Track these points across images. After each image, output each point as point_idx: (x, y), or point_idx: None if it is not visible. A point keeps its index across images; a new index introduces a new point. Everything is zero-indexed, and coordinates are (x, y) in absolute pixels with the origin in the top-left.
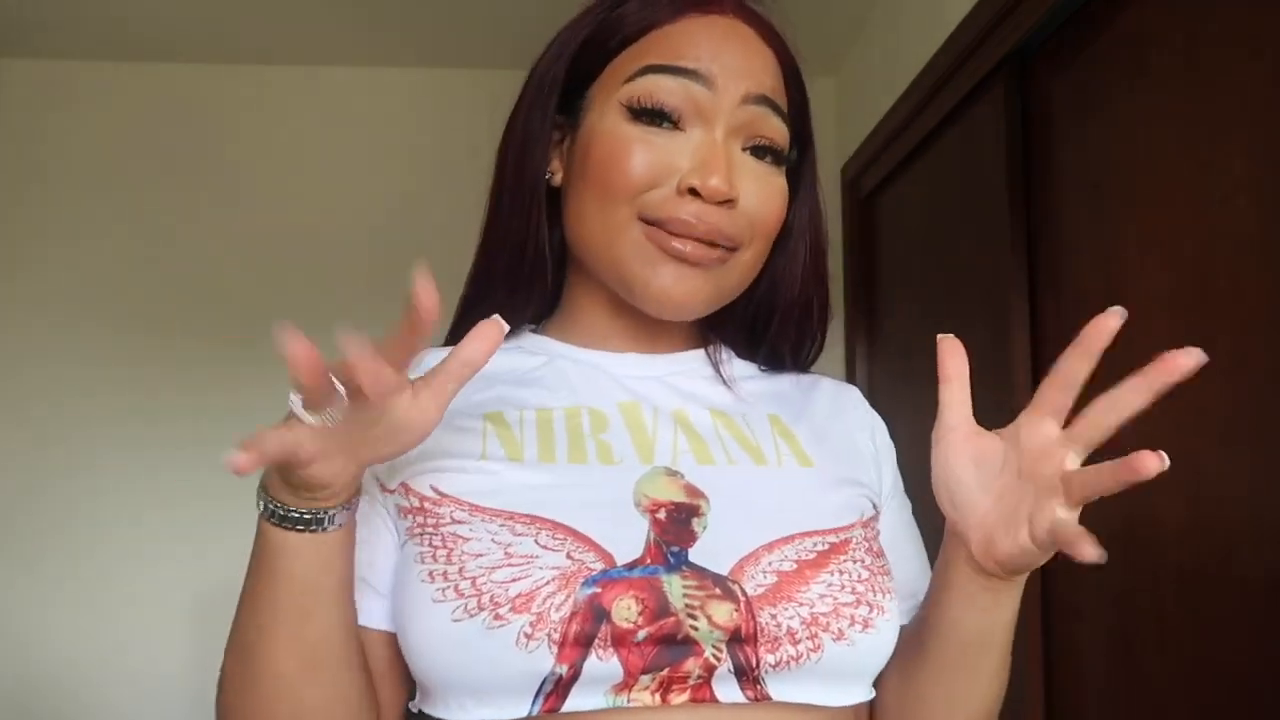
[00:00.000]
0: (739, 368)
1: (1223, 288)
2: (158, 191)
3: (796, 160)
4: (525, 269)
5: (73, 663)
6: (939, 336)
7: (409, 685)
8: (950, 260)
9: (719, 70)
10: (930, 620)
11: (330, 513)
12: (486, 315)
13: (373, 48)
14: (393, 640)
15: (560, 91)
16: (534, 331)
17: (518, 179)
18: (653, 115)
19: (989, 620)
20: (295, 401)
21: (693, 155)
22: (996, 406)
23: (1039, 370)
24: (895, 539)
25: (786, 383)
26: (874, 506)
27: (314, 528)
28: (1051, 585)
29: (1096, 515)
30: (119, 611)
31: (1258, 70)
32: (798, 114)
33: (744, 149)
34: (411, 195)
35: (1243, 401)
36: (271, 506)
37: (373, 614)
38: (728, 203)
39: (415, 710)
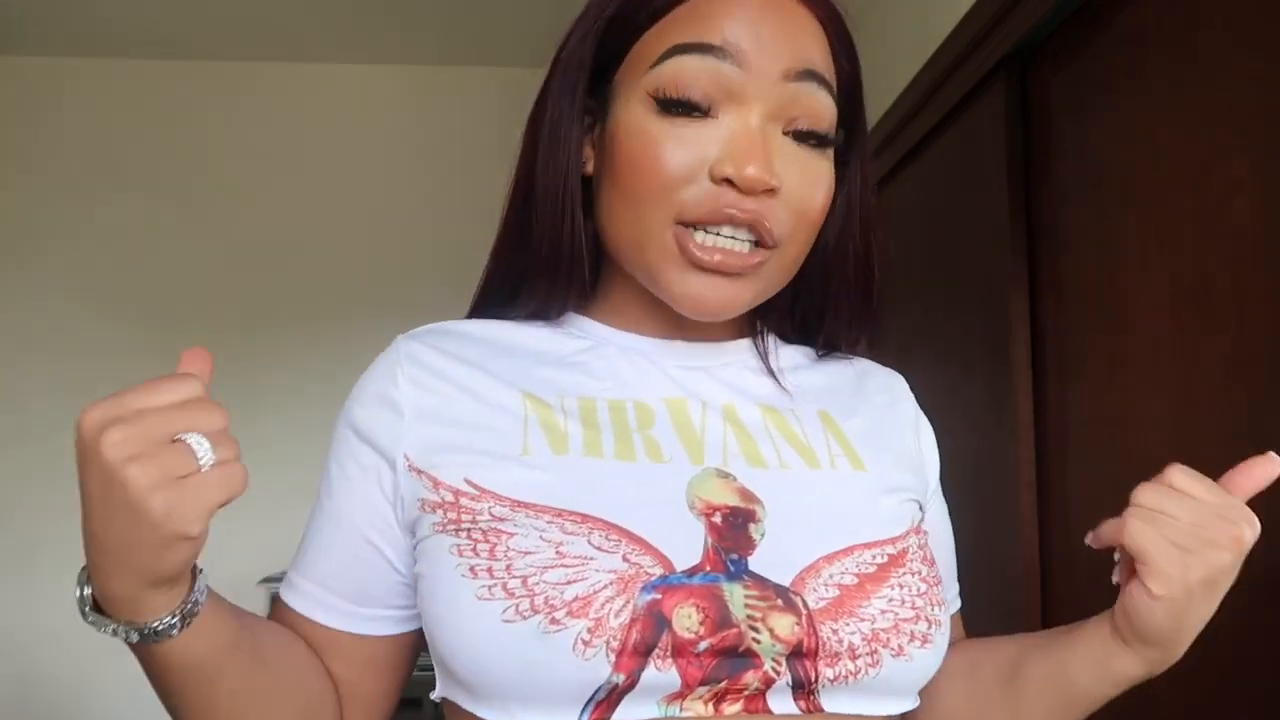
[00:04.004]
0: (787, 356)
1: (1223, 287)
2: (153, 187)
3: (844, 143)
4: (564, 260)
5: (69, 661)
6: None
7: (401, 673)
8: (950, 259)
9: (753, 45)
10: (1041, 671)
11: (190, 603)
12: (513, 296)
13: (372, 45)
14: (364, 640)
15: (589, 75)
16: (577, 313)
17: (551, 169)
18: (681, 106)
19: (1099, 685)
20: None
21: (726, 143)
22: (996, 406)
23: (1039, 370)
24: (933, 541)
25: (838, 372)
26: (920, 509)
27: (185, 624)
28: (1051, 584)
29: (1097, 515)
30: None
31: (1257, 69)
32: (848, 88)
33: (785, 132)
34: (411, 193)
35: (1243, 401)
36: (127, 631)
37: (354, 619)
38: (769, 192)
39: (438, 699)
